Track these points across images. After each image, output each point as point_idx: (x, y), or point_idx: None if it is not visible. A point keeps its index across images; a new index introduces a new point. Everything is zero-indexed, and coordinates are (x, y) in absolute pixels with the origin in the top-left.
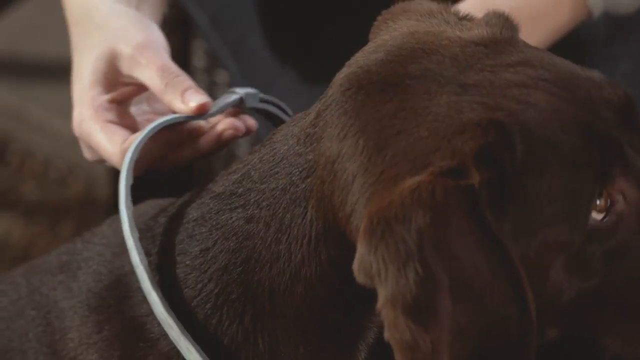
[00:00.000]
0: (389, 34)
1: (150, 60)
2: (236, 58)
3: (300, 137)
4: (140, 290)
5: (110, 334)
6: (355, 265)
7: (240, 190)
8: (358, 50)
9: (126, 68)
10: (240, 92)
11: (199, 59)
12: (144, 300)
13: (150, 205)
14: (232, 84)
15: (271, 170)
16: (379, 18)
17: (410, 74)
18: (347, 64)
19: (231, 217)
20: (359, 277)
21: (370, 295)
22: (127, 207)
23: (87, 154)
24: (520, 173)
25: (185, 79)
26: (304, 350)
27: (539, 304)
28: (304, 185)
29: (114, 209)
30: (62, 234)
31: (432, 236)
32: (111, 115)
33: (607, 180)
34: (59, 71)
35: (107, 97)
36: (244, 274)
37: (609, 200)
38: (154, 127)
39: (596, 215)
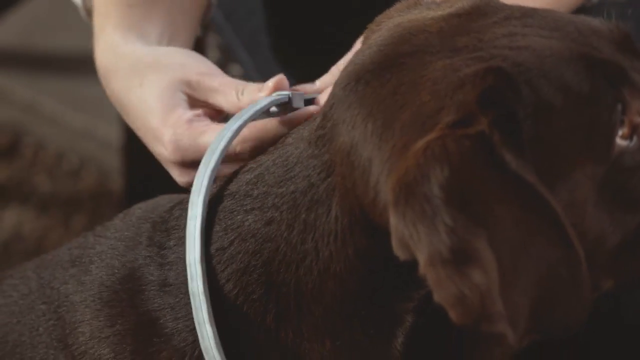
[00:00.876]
0: (376, 34)
1: (222, 83)
2: (250, 52)
3: (311, 140)
4: (153, 284)
5: (122, 328)
6: (393, 242)
7: (255, 193)
8: None
9: (200, 94)
10: (287, 92)
11: (213, 53)
12: (157, 294)
13: (165, 200)
14: (246, 77)
15: (286, 174)
16: (366, 29)
17: (402, 53)
18: (344, 67)
19: (247, 219)
20: (399, 252)
21: (401, 282)
22: (202, 226)
23: (182, 178)
24: (531, 115)
25: (249, 84)
26: (332, 345)
27: (587, 250)
28: (324, 185)
29: (127, 201)
30: (75, 226)
31: (454, 187)
32: (203, 122)
33: (624, 107)
34: (72, 65)
35: (192, 113)
36: (266, 275)
37: (631, 127)
38: (250, 117)
39: (622, 142)
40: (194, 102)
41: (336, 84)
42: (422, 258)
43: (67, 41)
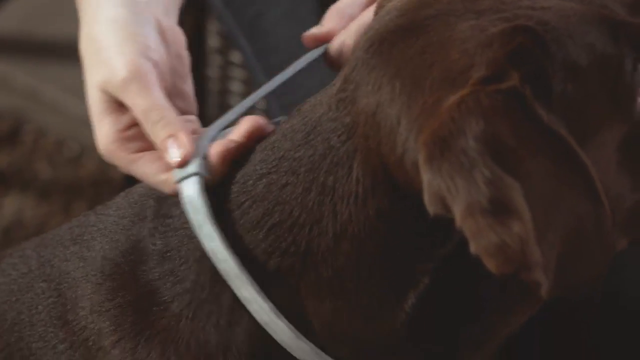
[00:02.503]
0: (393, 1)
1: (134, 103)
2: (249, 39)
3: (331, 104)
4: (155, 253)
5: (124, 300)
6: (426, 197)
7: (271, 158)
8: None
9: (121, 99)
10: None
11: (213, 39)
12: (159, 262)
13: None
14: (246, 64)
15: (304, 139)
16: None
17: (426, 16)
18: (363, 33)
19: (260, 183)
20: (432, 207)
21: (423, 240)
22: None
23: (123, 171)
24: (559, 73)
25: (165, 126)
26: (332, 306)
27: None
28: (345, 148)
29: (127, 188)
30: (75, 213)
31: (489, 140)
32: (135, 145)
33: None
34: (73, 51)
35: (120, 126)
36: (274, 235)
37: None
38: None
39: None
40: (119, 102)
41: (357, 48)
42: (459, 209)
43: (69, 28)
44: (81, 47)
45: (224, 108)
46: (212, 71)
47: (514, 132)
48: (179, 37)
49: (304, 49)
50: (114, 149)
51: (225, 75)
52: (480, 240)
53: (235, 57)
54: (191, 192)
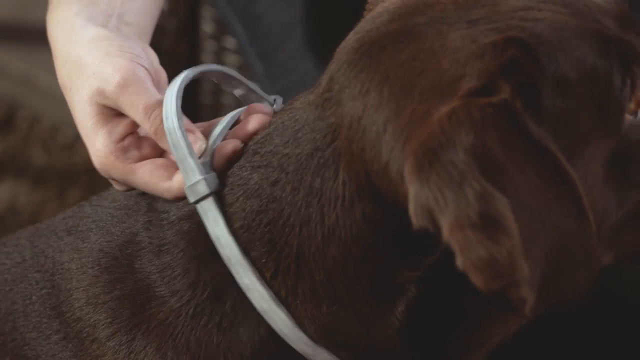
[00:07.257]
0: (386, 2)
1: (133, 102)
2: (244, 24)
3: (318, 103)
4: (152, 246)
5: (121, 293)
6: (412, 208)
7: (263, 150)
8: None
9: (115, 106)
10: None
11: (207, 25)
12: (156, 256)
13: None
14: (240, 50)
15: (293, 135)
16: None
17: (418, 23)
18: (352, 32)
19: (253, 177)
20: (418, 219)
21: (408, 249)
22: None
23: (118, 187)
24: (549, 87)
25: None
26: (328, 310)
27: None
28: (330, 150)
29: None
30: (70, 200)
31: (479, 153)
32: (133, 154)
33: (633, 83)
34: None
35: (115, 137)
36: (269, 234)
37: (638, 102)
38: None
39: (629, 117)
40: (113, 112)
41: (344, 48)
42: (447, 222)
43: None
44: (60, 74)
45: (218, 95)
46: (207, 57)
47: (503, 146)
48: (153, 54)
49: (296, 34)
50: (112, 160)
51: (219, 61)
52: (469, 254)
53: (230, 43)
54: (201, 188)
